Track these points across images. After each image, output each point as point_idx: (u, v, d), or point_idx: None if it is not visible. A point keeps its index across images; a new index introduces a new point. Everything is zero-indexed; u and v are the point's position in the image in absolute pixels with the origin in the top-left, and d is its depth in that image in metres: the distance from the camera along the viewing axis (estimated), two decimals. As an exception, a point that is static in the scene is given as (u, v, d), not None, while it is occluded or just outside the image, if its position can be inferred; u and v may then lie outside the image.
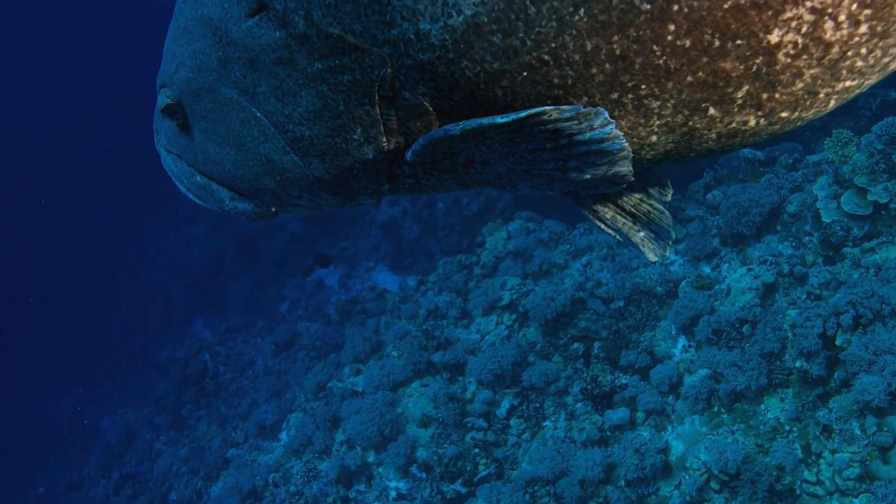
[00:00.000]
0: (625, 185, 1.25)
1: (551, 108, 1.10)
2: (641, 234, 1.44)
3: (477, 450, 6.40)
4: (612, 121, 1.11)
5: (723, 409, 5.52)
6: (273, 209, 1.63)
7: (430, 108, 1.27)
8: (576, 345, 6.71)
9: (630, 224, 1.44)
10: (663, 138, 1.22)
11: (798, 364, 5.22)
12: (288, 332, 10.97)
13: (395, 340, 7.31)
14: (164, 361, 13.74)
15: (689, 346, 6.21)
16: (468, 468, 6.32)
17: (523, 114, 1.11)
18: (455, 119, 1.26)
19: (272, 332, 11.60)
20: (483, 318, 7.22)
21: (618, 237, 1.49)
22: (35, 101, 30.03)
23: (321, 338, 9.78)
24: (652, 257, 1.45)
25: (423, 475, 6.50)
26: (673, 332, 6.38)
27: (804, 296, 5.76)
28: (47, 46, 30.33)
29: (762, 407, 5.33)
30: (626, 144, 1.13)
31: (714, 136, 1.21)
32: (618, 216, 1.44)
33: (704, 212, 7.18)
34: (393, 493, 6.70)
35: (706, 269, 6.67)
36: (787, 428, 5.10)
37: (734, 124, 1.18)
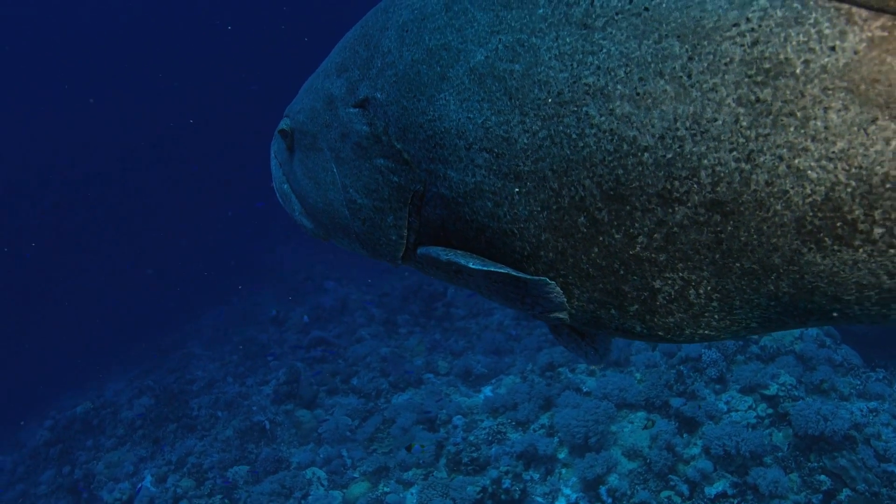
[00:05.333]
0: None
1: (514, 272, 1.46)
2: (585, 348, 1.80)
3: (670, 511, 6.05)
4: (554, 283, 1.46)
5: None
6: (324, 235, 2.10)
7: (440, 226, 1.64)
8: (823, 477, 6.04)
9: (579, 339, 1.80)
10: (578, 316, 1.52)
11: None
12: (539, 306, 11.00)
13: (643, 366, 7.06)
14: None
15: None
16: (652, 522, 5.99)
17: (492, 268, 1.49)
18: (457, 238, 1.61)
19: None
20: (738, 394, 6.73)
21: (568, 348, 1.84)
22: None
23: (568, 327, 9.69)
24: (590, 364, 1.71)
25: (609, 500, 6.27)
26: (942, 533, 5.51)
27: None
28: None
29: None
30: (564, 300, 1.48)
31: (614, 327, 1.50)
32: (571, 333, 1.80)
33: None
34: (563, 501, 6.55)
35: None
36: None
37: (627, 325, 1.48)
